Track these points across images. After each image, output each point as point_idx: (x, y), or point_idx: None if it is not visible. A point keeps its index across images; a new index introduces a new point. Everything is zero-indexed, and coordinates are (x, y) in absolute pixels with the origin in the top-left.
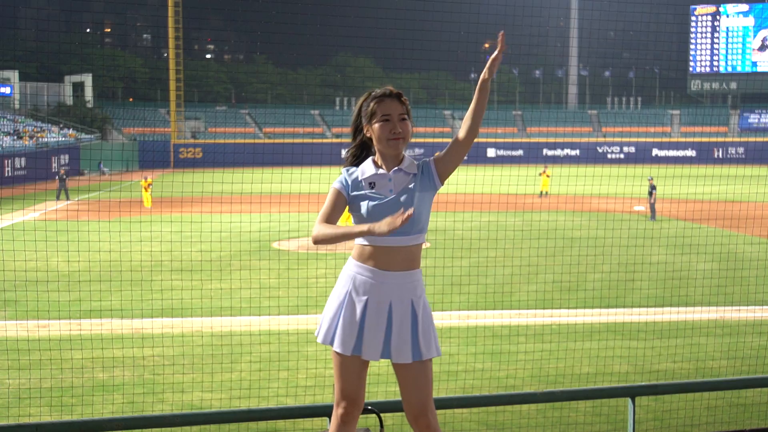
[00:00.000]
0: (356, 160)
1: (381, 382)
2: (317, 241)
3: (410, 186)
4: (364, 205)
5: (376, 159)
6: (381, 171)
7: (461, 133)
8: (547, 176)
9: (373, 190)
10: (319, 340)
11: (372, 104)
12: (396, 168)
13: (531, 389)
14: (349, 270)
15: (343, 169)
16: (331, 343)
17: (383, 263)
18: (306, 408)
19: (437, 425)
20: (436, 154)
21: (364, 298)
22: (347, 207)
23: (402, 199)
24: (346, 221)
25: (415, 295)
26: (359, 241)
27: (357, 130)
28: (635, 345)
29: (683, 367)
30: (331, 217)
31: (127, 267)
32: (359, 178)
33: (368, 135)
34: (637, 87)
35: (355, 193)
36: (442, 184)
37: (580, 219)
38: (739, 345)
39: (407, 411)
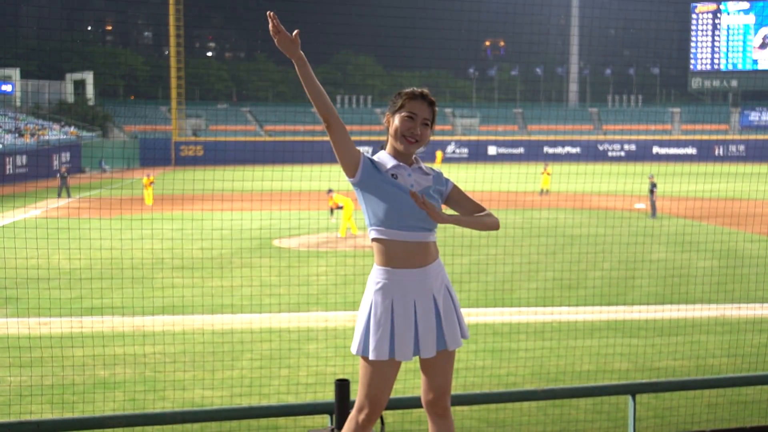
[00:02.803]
0: None
1: None
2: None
3: (428, 186)
4: (391, 192)
5: (389, 152)
6: (402, 164)
7: (481, 216)
8: (548, 174)
9: (396, 180)
10: (373, 356)
11: (403, 98)
12: (415, 166)
13: (532, 386)
14: (382, 279)
15: (364, 153)
16: (392, 356)
17: (417, 261)
18: (307, 405)
19: (450, 409)
20: (456, 187)
21: (412, 300)
22: (360, 184)
23: (426, 197)
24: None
25: (447, 281)
26: (386, 236)
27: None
28: (636, 342)
29: (684, 365)
30: (346, 136)
31: (128, 264)
32: (382, 168)
33: (386, 124)
34: (637, 85)
35: (381, 175)
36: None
37: (580, 217)
38: (740, 342)
39: (428, 395)
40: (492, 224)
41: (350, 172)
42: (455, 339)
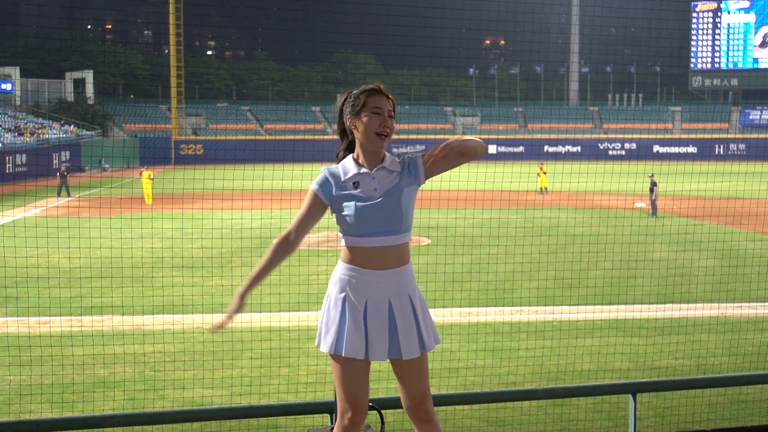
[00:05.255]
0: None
1: (382, 378)
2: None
3: (394, 185)
4: (350, 206)
5: (356, 157)
6: (364, 170)
7: (459, 150)
8: (544, 173)
9: (358, 190)
10: (325, 349)
11: (362, 96)
12: (379, 166)
13: (532, 386)
14: (341, 274)
15: (324, 168)
16: (340, 352)
17: (378, 263)
18: (307, 404)
19: (434, 413)
20: (431, 151)
21: (364, 299)
22: (328, 208)
23: (389, 199)
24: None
25: (411, 290)
26: (349, 243)
27: (344, 130)
28: (636, 342)
29: (684, 364)
30: (306, 223)
31: (128, 263)
32: (342, 178)
33: (352, 127)
34: (638, 83)
35: (340, 192)
36: (424, 182)
37: (581, 216)
38: (741, 342)
39: (408, 402)
40: (477, 144)
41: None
42: (411, 348)
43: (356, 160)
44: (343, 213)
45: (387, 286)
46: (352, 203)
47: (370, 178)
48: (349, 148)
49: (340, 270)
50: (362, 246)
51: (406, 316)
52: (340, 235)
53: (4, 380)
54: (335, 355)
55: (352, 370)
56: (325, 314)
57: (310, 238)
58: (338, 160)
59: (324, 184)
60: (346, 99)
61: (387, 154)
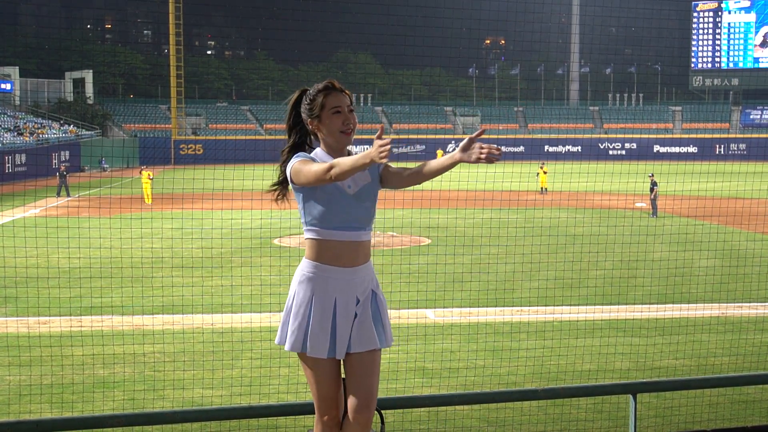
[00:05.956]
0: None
1: (382, 378)
2: (337, 177)
3: (367, 182)
4: (324, 195)
5: (327, 152)
6: None
7: (407, 173)
8: (545, 172)
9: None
10: (288, 347)
11: (319, 98)
12: None
13: (532, 386)
14: (308, 272)
15: (300, 154)
16: (304, 350)
17: (348, 260)
18: (307, 404)
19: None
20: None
21: (333, 298)
22: (295, 192)
23: (363, 195)
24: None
25: (374, 285)
26: (320, 236)
27: (293, 128)
28: (637, 342)
29: (685, 364)
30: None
31: (127, 264)
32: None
33: (315, 130)
34: (638, 83)
35: (327, 184)
36: (380, 188)
37: (582, 216)
38: (741, 342)
39: (352, 403)
40: (421, 182)
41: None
42: (367, 341)
43: (327, 154)
44: (318, 201)
45: (356, 284)
46: (327, 194)
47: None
48: (295, 148)
49: (306, 267)
50: (335, 240)
51: (369, 311)
52: (307, 227)
53: (4, 380)
54: (302, 354)
55: (323, 369)
56: (289, 313)
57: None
58: (283, 158)
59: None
60: (298, 98)
61: (353, 149)
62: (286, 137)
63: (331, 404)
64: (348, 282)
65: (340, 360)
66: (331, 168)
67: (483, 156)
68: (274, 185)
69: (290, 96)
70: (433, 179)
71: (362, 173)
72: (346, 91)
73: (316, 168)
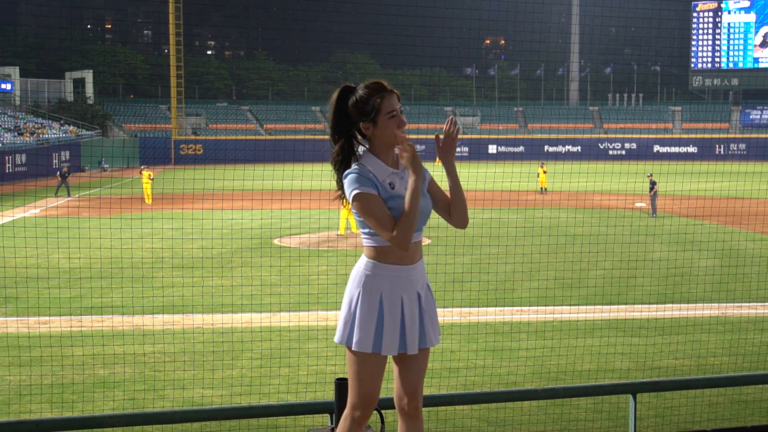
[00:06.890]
0: (344, 164)
1: (383, 378)
2: (408, 243)
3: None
4: (390, 204)
5: (376, 155)
6: (392, 170)
7: (452, 215)
8: (545, 172)
9: (394, 190)
10: (355, 347)
11: (374, 101)
12: (403, 167)
13: (532, 386)
14: (372, 272)
15: (356, 166)
16: (375, 350)
17: (411, 258)
18: (307, 404)
19: (421, 409)
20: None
21: (399, 296)
22: (349, 204)
23: (423, 197)
24: (347, 217)
25: (427, 281)
26: (382, 243)
27: (341, 130)
28: (636, 342)
29: (684, 364)
30: (390, 220)
31: (127, 264)
32: (380, 179)
33: (368, 134)
34: (638, 83)
35: (382, 195)
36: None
37: (582, 216)
38: (741, 342)
39: (401, 394)
40: (465, 207)
41: None
42: (435, 336)
43: (380, 160)
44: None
45: (417, 279)
46: (393, 202)
47: (399, 177)
48: (347, 156)
49: (370, 268)
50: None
51: (430, 306)
52: (369, 236)
53: (4, 380)
54: (356, 352)
55: (376, 367)
56: (352, 311)
57: (311, 239)
58: (336, 167)
59: (371, 186)
60: (343, 96)
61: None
62: (330, 138)
63: (368, 402)
64: (411, 279)
65: (386, 359)
66: (393, 229)
67: (441, 145)
68: (339, 194)
69: (332, 95)
70: (457, 191)
71: (405, 174)
72: (396, 92)
73: (383, 223)
